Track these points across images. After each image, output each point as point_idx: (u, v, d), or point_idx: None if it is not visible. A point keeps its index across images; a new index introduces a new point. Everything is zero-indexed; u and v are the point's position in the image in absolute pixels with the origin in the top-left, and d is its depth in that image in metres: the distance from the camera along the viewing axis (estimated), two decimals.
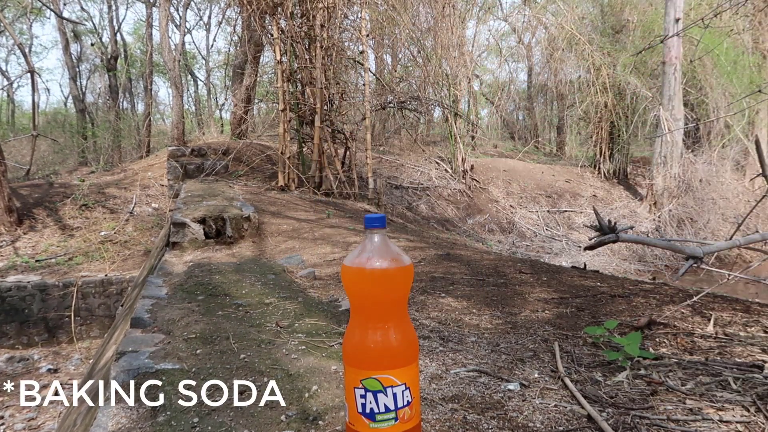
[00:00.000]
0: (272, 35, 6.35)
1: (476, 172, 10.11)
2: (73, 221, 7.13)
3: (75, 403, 2.50)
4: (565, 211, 9.75)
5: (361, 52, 7.08)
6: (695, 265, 2.03)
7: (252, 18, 6.65)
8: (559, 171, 11.35)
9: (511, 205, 9.62)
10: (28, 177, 8.92)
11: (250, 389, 1.32)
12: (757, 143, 2.24)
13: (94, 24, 16.72)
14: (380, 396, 0.88)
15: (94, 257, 6.42)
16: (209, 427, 1.15)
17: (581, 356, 1.59)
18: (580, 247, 8.03)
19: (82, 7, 16.61)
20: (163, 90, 35.63)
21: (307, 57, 6.38)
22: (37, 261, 6.20)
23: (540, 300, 2.28)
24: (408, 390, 0.90)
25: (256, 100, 10.11)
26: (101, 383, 1.94)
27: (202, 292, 2.36)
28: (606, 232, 1.97)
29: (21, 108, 20.31)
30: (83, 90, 16.61)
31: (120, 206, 7.61)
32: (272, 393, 1.29)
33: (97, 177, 8.67)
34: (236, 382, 1.37)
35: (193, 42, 40.40)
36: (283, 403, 1.25)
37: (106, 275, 5.99)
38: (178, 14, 13.74)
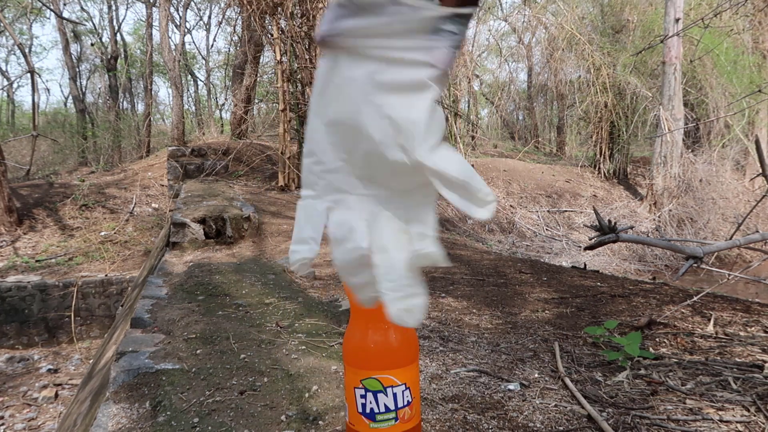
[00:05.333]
0: (272, 35, 6.35)
1: (476, 172, 10.09)
2: (73, 221, 7.13)
3: (75, 404, 2.51)
4: (565, 211, 9.75)
5: None
6: (695, 265, 2.03)
7: (252, 18, 6.66)
8: (559, 171, 11.35)
9: (511, 205, 9.62)
10: (28, 177, 8.92)
11: (250, 389, 1.32)
12: (757, 143, 2.24)
13: (94, 24, 16.75)
14: (380, 396, 0.88)
15: (94, 257, 6.42)
16: (209, 427, 1.15)
17: (581, 356, 1.59)
18: (580, 247, 8.03)
19: (82, 7, 16.63)
20: (163, 90, 35.69)
21: (307, 57, 6.38)
22: (37, 261, 6.20)
23: (540, 300, 2.28)
24: (408, 390, 0.90)
25: (256, 100, 10.12)
26: (101, 383, 1.94)
27: (202, 292, 2.36)
28: (606, 232, 1.97)
29: (21, 108, 20.35)
30: (83, 90, 16.63)
31: (120, 206, 7.61)
32: (272, 393, 1.29)
33: (97, 177, 8.68)
34: (236, 382, 1.37)
35: (193, 42, 40.48)
36: (283, 403, 1.26)
37: (106, 275, 5.99)
38: (178, 14, 13.75)
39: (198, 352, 1.60)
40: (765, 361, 1.47)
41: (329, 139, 0.48)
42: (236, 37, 11.12)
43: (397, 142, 0.45)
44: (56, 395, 4.36)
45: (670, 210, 8.89)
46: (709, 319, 1.90)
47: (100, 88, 18.08)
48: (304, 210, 0.50)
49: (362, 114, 0.45)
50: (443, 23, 0.43)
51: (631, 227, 2.35)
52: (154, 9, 11.72)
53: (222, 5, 13.96)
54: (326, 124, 0.48)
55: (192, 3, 15.45)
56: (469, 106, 13.81)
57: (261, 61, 9.29)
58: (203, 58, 18.60)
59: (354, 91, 0.45)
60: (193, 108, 17.32)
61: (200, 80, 18.61)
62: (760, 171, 2.09)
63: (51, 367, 4.96)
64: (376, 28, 0.43)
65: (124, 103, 17.11)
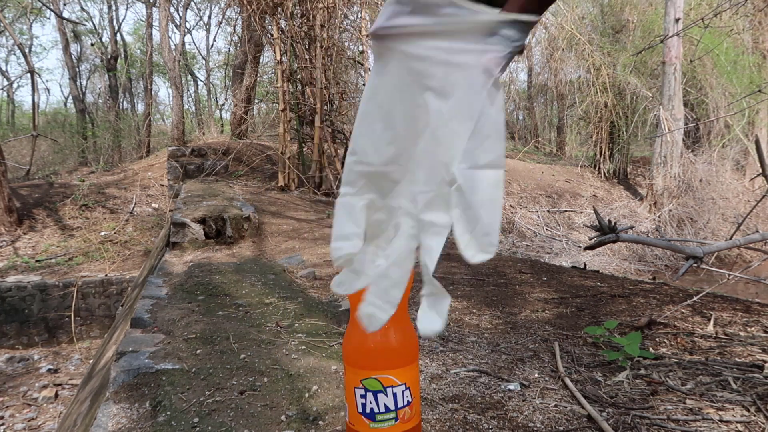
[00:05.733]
0: (272, 35, 6.35)
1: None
2: (73, 221, 7.13)
3: (75, 404, 2.51)
4: (565, 211, 9.75)
5: (361, 52, 7.08)
6: (695, 265, 2.03)
7: (252, 18, 6.66)
8: (559, 171, 11.35)
9: (511, 205, 9.62)
10: (28, 177, 8.92)
11: (250, 389, 1.32)
12: (757, 143, 2.24)
13: (94, 24, 16.75)
14: (380, 396, 0.89)
15: (94, 257, 6.42)
16: (209, 427, 1.15)
17: (581, 356, 1.59)
18: (580, 247, 8.03)
19: (82, 7, 16.64)
20: (163, 90, 35.69)
21: (307, 57, 6.38)
22: (37, 261, 6.20)
23: (540, 300, 2.28)
24: (408, 390, 0.90)
25: (256, 100, 10.11)
26: (101, 383, 1.94)
27: (202, 292, 2.36)
28: (606, 232, 1.97)
29: (21, 108, 20.36)
30: (83, 90, 16.63)
31: (120, 206, 7.61)
32: (272, 393, 1.29)
33: (97, 177, 8.68)
34: (236, 382, 1.37)
35: (193, 42, 40.51)
36: (283, 403, 1.26)
37: (106, 275, 5.99)
38: (178, 14, 13.75)
39: (198, 352, 1.60)
40: (765, 361, 1.47)
41: (371, 140, 0.47)
42: (236, 37, 11.12)
43: (438, 155, 0.44)
44: (56, 395, 4.36)
45: (670, 210, 8.89)
46: (709, 319, 1.90)
47: (100, 88, 18.10)
48: (344, 207, 0.49)
49: (409, 119, 0.45)
50: (501, 28, 0.41)
51: (631, 227, 2.35)
52: (154, 9, 11.72)
53: (222, 5, 13.96)
54: (372, 124, 0.47)
55: (192, 3, 15.45)
56: None
57: (261, 61, 9.29)
58: (203, 58, 18.61)
59: (402, 93, 0.44)
60: (193, 108, 17.32)
61: (200, 80, 18.63)
62: (760, 171, 2.09)
63: (51, 367, 4.96)
64: (431, 27, 0.42)
65: (124, 103, 17.12)
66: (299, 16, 6.45)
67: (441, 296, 0.47)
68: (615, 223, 2.00)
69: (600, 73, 10.51)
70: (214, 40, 37.46)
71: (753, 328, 1.81)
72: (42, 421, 3.95)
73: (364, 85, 7.00)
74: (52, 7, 11.24)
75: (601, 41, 11.07)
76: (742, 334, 1.75)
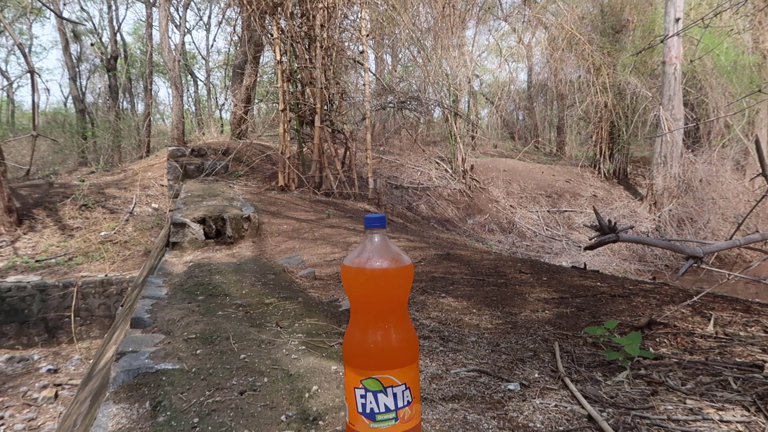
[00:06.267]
0: (272, 35, 6.35)
1: (476, 172, 10.11)
2: (73, 221, 7.13)
3: (75, 404, 2.51)
4: (565, 211, 9.75)
5: (361, 52, 7.08)
6: (695, 265, 2.03)
7: (252, 18, 6.65)
8: (559, 171, 11.35)
9: (511, 205, 9.62)
10: (28, 177, 8.92)
11: (250, 389, 1.32)
12: (757, 143, 2.24)
13: (94, 24, 16.75)
14: (380, 396, 0.88)
15: (94, 257, 6.42)
16: (209, 427, 1.15)
17: (581, 356, 1.59)
18: (580, 247, 8.02)
19: (82, 7, 16.64)
20: (163, 90, 35.68)
21: (307, 57, 6.38)
22: (37, 261, 6.20)
23: (540, 300, 2.28)
24: (408, 390, 0.90)
25: (256, 100, 10.11)
26: (101, 383, 1.94)
27: (202, 292, 2.36)
28: (606, 232, 1.97)
29: (21, 108, 20.35)
30: (83, 90, 16.62)
31: (120, 206, 7.61)
32: (272, 393, 1.29)
33: (97, 177, 8.67)
34: (236, 382, 1.37)
35: (193, 42, 40.52)
36: (283, 403, 1.25)
37: (106, 275, 5.99)
38: (178, 14, 13.74)
39: (198, 352, 1.60)
40: (765, 361, 1.47)
41: None
42: (236, 37, 11.12)
43: None
44: (56, 395, 4.36)
45: (670, 210, 8.89)
46: (709, 319, 1.90)
47: (100, 88, 18.10)
48: None
49: None
50: None
51: (631, 227, 2.35)
52: (154, 9, 11.71)
53: (222, 5, 13.96)
54: None
55: (192, 3, 15.44)
56: (469, 106, 13.82)
57: (261, 61, 9.29)
58: (203, 58, 18.61)
59: None
60: (193, 108, 17.32)
61: (200, 80, 18.63)
62: (760, 171, 2.09)
63: (51, 367, 4.96)
64: None
65: (124, 103, 17.11)
66: (299, 16, 6.45)
67: None
68: (615, 223, 1.99)
69: (600, 73, 10.52)
70: (214, 40, 37.49)
71: (753, 328, 1.81)
72: (42, 422, 3.95)
73: (364, 85, 7.00)
74: (52, 7, 11.23)
75: (601, 41, 11.07)
76: (742, 334, 1.75)
